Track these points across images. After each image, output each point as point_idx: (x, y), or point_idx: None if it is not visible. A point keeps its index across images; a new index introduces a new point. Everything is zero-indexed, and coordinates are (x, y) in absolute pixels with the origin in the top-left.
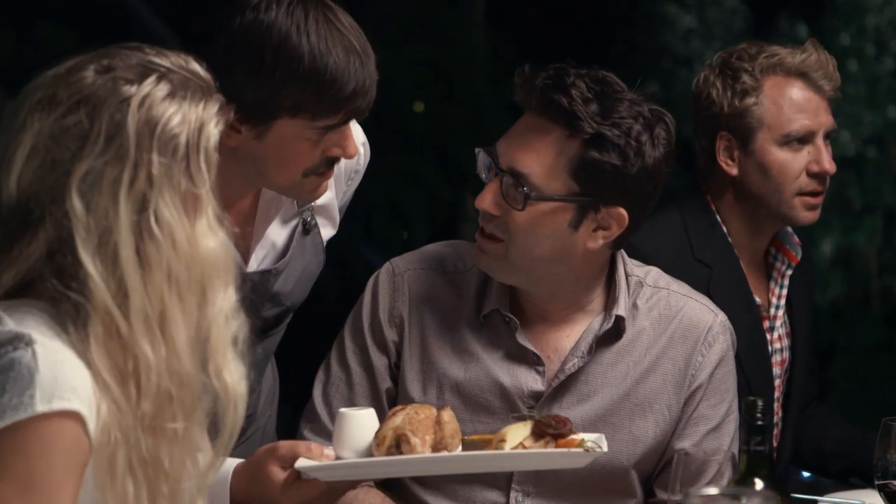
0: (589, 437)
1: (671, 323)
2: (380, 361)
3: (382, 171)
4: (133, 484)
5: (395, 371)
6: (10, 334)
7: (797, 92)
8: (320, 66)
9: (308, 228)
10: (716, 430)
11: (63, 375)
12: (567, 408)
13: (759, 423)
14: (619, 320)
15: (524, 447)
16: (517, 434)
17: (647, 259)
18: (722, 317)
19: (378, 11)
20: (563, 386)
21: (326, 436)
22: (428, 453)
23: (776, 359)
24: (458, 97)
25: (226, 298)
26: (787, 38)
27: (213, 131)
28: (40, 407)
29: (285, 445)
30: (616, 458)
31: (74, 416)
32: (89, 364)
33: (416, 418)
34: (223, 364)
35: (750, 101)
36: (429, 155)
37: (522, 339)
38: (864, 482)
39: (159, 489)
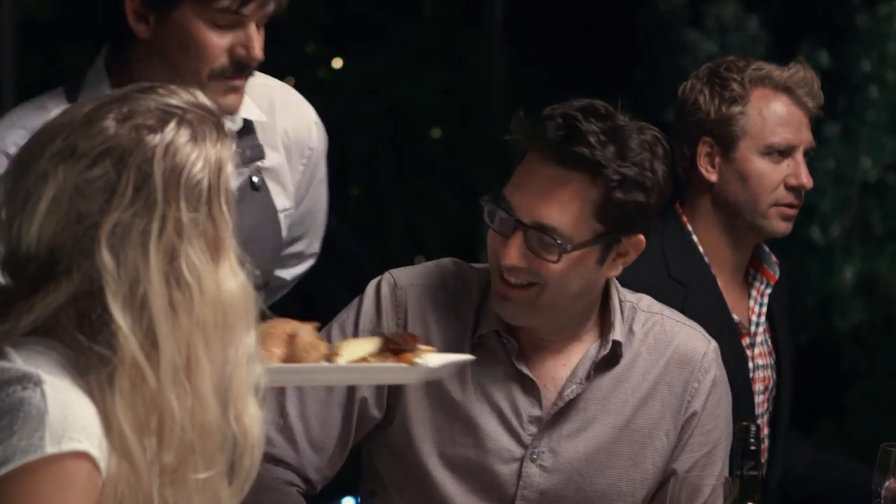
0: (429, 359)
1: (667, 349)
2: None
3: (399, 196)
4: None
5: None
6: (18, 373)
7: (782, 106)
8: None
9: (256, 185)
10: (708, 455)
11: (73, 416)
12: (569, 435)
13: (752, 447)
14: (616, 345)
15: (366, 362)
16: (359, 348)
17: (621, 278)
18: (714, 344)
19: (396, 37)
20: (563, 413)
21: (287, 436)
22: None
23: (759, 374)
24: (476, 123)
25: (248, 341)
26: (809, 64)
27: (231, 170)
28: (50, 448)
29: None
30: (616, 485)
31: (85, 457)
32: (108, 417)
33: (271, 332)
34: (243, 409)
35: (736, 109)
36: (446, 180)
37: (520, 364)
38: None
39: None
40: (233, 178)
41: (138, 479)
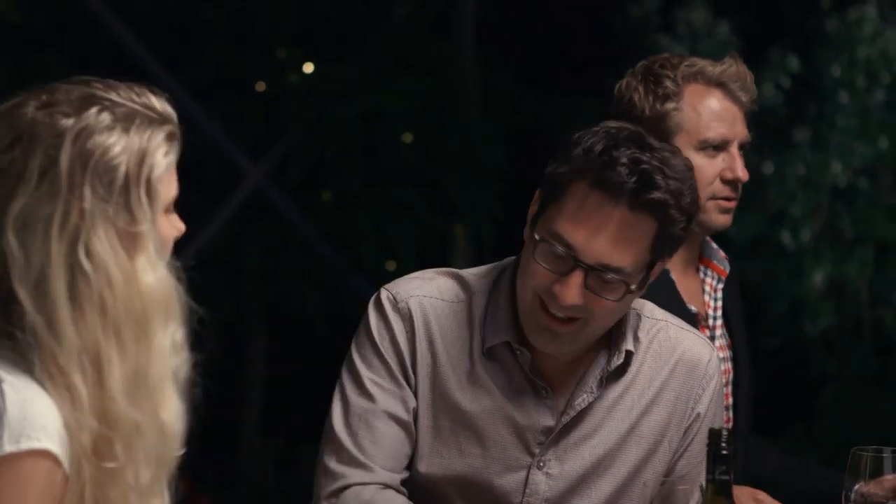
0: None
1: (672, 355)
2: (399, 389)
3: (371, 202)
4: None
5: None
6: None
7: (716, 101)
8: None
9: None
10: (701, 464)
11: (32, 414)
12: (575, 443)
13: (724, 452)
14: (629, 355)
15: None
16: None
17: None
18: (716, 351)
19: (368, 43)
20: (572, 422)
21: (356, 465)
22: None
23: (721, 367)
24: (448, 128)
25: (166, 335)
26: (779, 69)
27: (159, 162)
28: (8, 447)
29: None
30: (620, 492)
31: (46, 455)
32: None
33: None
34: (161, 402)
35: (670, 105)
36: (418, 186)
37: (533, 374)
38: None
39: None
40: (159, 170)
41: (77, 472)
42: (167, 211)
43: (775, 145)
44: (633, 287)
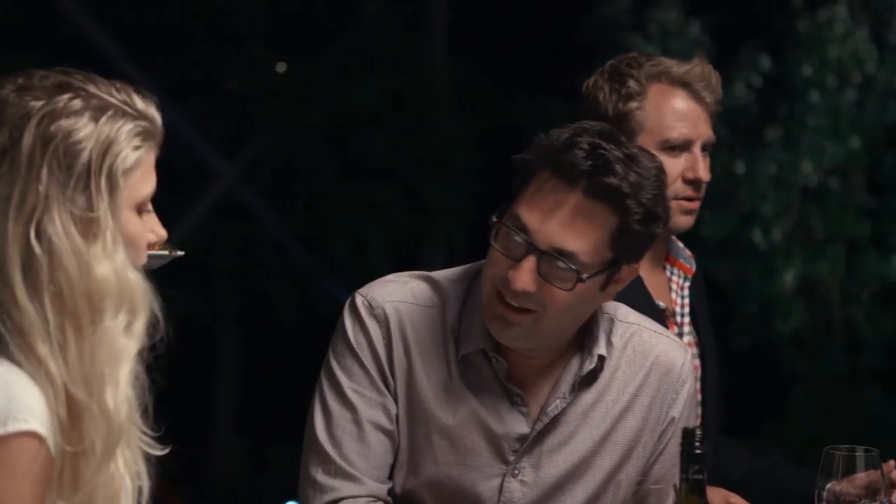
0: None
1: (646, 360)
2: (381, 396)
3: (343, 202)
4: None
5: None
6: None
7: (679, 101)
8: None
9: None
10: (674, 468)
11: (16, 397)
12: (549, 450)
13: (697, 451)
14: (601, 359)
15: None
16: None
17: None
18: (689, 354)
19: (340, 44)
20: (546, 428)
21: (345, 477)
22: None
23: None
24: (420, 127)
25: (116, 323)
26: (750, 69)
27: (125, 153)
28: None
29: None
30: (595, 499)
31: (33, 436)
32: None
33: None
34: (105, 388)
35: (633, 105)
36: (389, 185)
37: (509, 382)
38: None
39: None
40: (125, 161)
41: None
42: (140, 210)
43: (747, 145)
44: (584, 276)
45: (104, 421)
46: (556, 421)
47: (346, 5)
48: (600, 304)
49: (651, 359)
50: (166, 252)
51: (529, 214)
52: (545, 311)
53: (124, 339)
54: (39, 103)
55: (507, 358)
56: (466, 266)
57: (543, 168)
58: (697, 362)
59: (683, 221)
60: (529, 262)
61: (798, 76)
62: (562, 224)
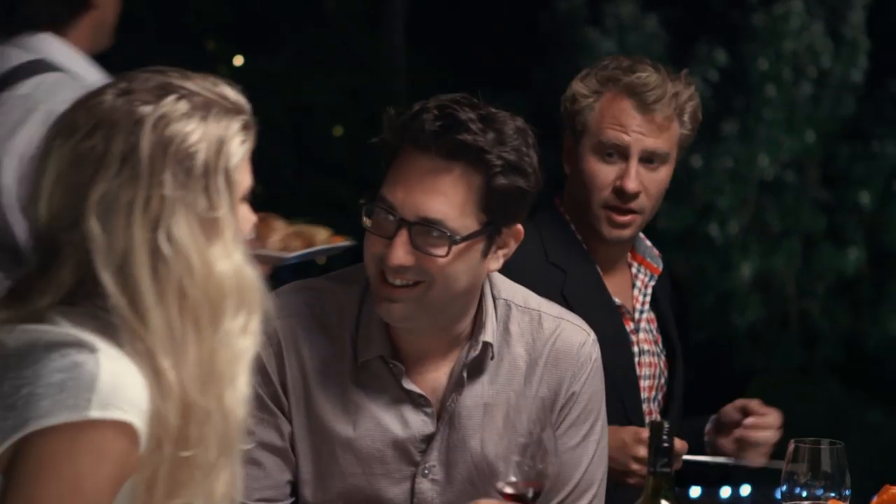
0: None
1: (545, 346)
2: (273, 417)
3: (302, 196)
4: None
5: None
6: (73, 338)
7: (624, 108)
8: None
9: None
10: (574, 450)
11: (123, 386)
12: (456, 446)
13: (665, 444)
14: (487, 346)
15: None
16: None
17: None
18: (593, 336)
19: (298, 38)
20: (451, 424)
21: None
22: None
23: (644, 359)
24: (379, 122)
25: (235, 322)
26: (706, 63)
27: (236, 150)
28: (94, 412)
29: None
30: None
31: (127, 428)
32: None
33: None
34: (223, 388)
35: (584, 104)
36: (348, 180)
37: (408, 384)
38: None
39: None
40: (237, 159)
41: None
42: (243, 200)
43: (703, 138)
44: (457, 238)
45: (223, 421)
46: (458, 415)
47: (304, 2)
48: (498, 289)
49: (550, 343)
50: (345, 242)
51: (394, 189)
52: (432, 281)
53: (242, 338)
54: (149, 108)
55: (404, 361)
56: (356, 266)
57: (402, 143)
58: (654, 359)
59: (612, 233)
60: (402, 237)
61: (754, 70)
62: (424, 192)
